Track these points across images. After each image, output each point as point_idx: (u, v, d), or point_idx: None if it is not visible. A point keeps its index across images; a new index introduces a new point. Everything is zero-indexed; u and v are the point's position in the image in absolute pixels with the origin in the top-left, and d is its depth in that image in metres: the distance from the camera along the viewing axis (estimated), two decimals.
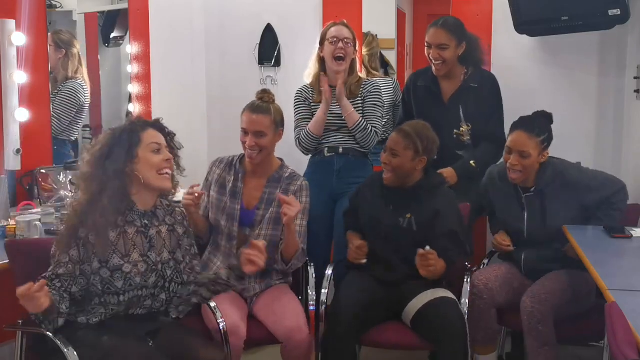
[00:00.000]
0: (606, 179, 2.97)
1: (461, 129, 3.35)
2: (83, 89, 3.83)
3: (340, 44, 3.32)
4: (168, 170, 2.39)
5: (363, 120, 3.32)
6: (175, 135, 2.52)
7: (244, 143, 2.87)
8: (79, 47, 3.82)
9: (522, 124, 2.93)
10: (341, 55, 3.33)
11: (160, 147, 2.39)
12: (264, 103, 2.89)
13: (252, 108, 2.88)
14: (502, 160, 3.10)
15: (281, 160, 2.98)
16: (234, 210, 2.88)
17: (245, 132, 2.86)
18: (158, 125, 2.45)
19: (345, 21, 3.44)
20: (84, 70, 3.83)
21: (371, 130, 3.32)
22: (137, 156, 2.34)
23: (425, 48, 3.36)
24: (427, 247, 2.66)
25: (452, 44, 3.30)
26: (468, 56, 3.38)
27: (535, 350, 2.73)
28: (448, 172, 3.24)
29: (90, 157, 2.33)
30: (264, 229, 2.86)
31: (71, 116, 3.77)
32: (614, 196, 2.93)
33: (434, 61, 3.34)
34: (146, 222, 2.39)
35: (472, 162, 3.32)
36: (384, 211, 2.90)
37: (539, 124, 2.92)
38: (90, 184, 2.30)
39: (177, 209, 2.55)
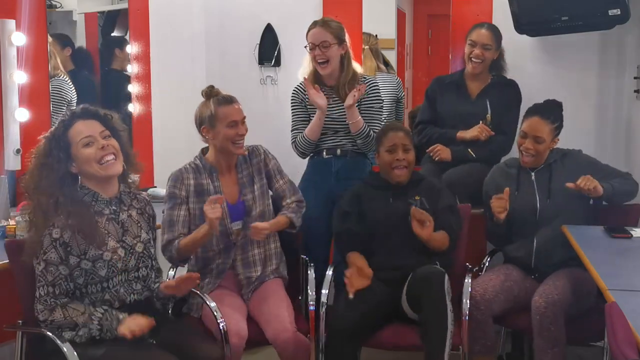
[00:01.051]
0: (607, 166, 3.11)
1: (487, 119, 3.47)
2: (67, 84, 3.75)
3: (317, 50, 3.25)
4: (109, 157, 2.34)
5: (367, 127, 3.28)
6: (112, 116, 2.44)
7: (234, 136, 2.82)
8: (50, 40, 3.62)
9: (538, 110, 3.04)
10: (321, 60, 3.28)
11: (91, 139, 2.33)
12: (226, 94, 2.89)
13: (229, 100, 2.86)
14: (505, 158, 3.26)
15: None
16: (223, 209, 2.80)
17: (235, 123, 2.82)
18: (88, 114, 2.39)
19: (327, 19, 3.38)
20: (60, 64, 3.71)
21: (372, 136, 3.30)
22: (75, 156, 2.32)
23: (467, 46, 3.52)
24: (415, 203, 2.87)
25: (494, 46, 3.50)
26: (497, 64, 3.56)
27: (544, 350, 2.70)
28: (441, 147, 3.46)
29: (33, 169, 2.30)
30: (259, 206, 2.91)
31: (61, 114, 3.71)
32: (620, 174, 3.08)
33: (474, 59, 3.49)
34: (114, 208, 2.40)
35: (469, 149, 3.44)
36: (392, 202, 2.97)
37: (553, 111, 3.03)
38: (41, 196, 2.27)
39: (138, 195, 2.53)
